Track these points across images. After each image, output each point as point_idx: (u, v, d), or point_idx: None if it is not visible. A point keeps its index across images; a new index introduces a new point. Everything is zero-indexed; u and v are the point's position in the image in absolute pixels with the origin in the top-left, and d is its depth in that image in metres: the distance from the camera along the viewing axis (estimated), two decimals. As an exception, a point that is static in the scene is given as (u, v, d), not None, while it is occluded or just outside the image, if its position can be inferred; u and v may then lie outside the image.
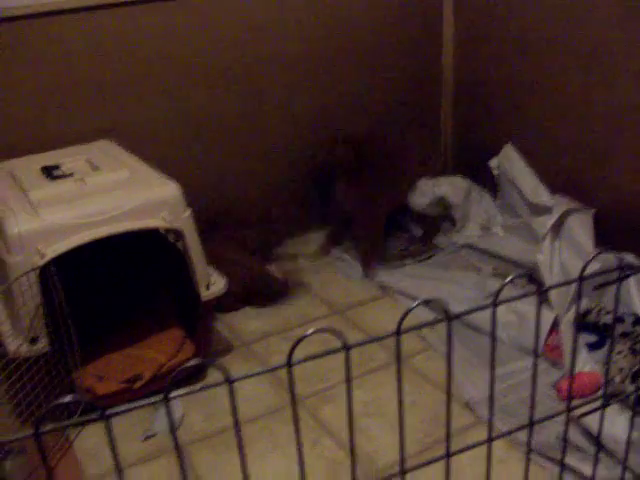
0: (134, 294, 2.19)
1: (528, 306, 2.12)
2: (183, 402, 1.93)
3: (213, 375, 2.04)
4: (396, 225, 2.90)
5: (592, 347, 2.00)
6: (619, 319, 2.01)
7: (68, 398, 0.62)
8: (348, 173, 2.64)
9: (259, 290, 2.39)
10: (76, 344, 1.77)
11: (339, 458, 1.72)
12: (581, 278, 0.87)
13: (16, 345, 1.70)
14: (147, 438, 1.81)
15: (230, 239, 2.50)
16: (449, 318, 0.76)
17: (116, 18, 2.32)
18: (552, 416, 1.02)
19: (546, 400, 1.84)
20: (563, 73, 2.44)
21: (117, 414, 0.67)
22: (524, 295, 0.89)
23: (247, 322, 2.32)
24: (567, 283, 0.91)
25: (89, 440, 1.82)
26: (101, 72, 2.35)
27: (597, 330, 2.06)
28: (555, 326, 2.04)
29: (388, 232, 2.82)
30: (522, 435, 1.71)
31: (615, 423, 1.68)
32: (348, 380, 0.69)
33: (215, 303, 2.21)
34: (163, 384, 1.93)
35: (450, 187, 2.75)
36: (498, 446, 1.70)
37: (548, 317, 2.04)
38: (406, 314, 0.70)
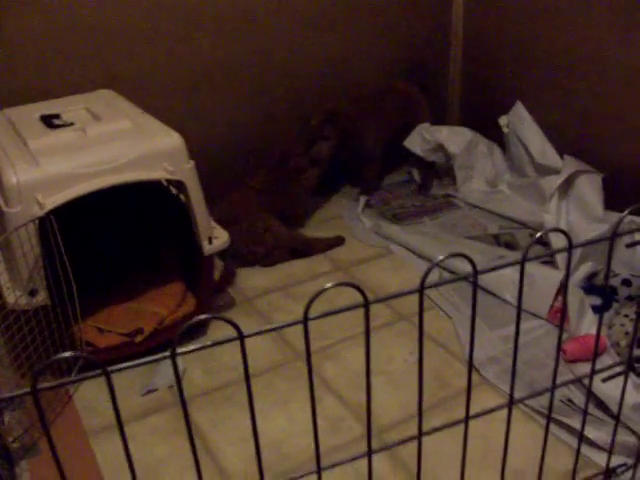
0: (135, 247, 2.16)
1: (535, 267, 2.10)
2: (184, 357, 1.91)
3: (215, 330, 2.02)
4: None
5: (599, 310, 1.98)
6: (626, 282, 1.99)
7: (66, 354, 0.59)
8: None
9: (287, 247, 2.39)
10: (76, 296, 1.74)
11: (341, 415, 1.71)
12: (614, 235, 0.83)
13: (15, 297, 1.67)
14: (148, 392, 1.80)
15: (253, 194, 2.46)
16: (475, 273, 0.72)
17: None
18: (574, 380, 1.00)
19: (551, 362, 1.82)
20: (575, 31, 2.38)
21: (118, 370, 0.64)
22: (555, 252, 0.85)
23: (249, 277, 2.30)
24: (599, 241, 0.87)
25: (89, 393, 1.80)
26: (103, 19, 2.28)
27: (603, 293, 2.03)
28: (561, 288, 2.02)
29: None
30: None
31: (620, 387, 1.67)
32: (367, 338, 0.66)
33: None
34: (164, 338, 1.91)
35: (451, 135, 2.71)
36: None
37: (555, 279, 2.01)
38: (430, 269, 0.67)
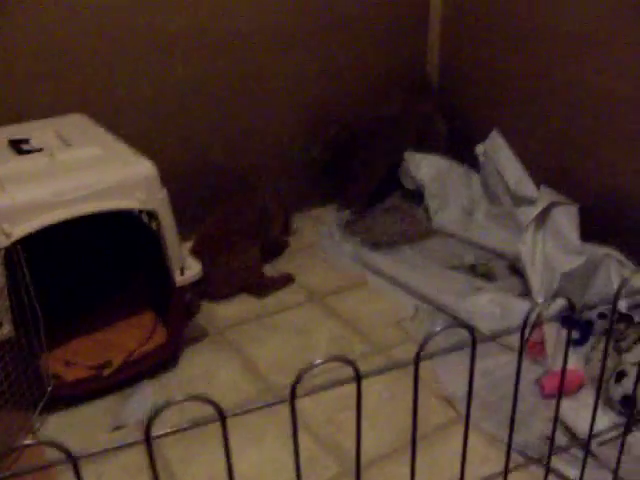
0: (105, 276, 2.10)
1: (511, 298, 2.09)
2: (154, 392, 1.85)
3: (186, 362, 1.97)
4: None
5: (575, 343, 1.96)
6: (603, 316, 1.97)
7: (29, 442, 0.54)
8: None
9: (254, 285, 2.33)
10: (42, 329, 1.68)
11: (316, 454, 1.66)
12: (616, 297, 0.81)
13: (-22, 330, 1.61)
14: (116, 429, 1.74)
15: (229, 220, 2.40)
16: (474, 342, 0.69)
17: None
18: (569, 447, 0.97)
19: (529, 397, 1.80)
20: (552, 61, 2.38)
21: (88, 456, 0.59)
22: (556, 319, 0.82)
23: (222, 307, 2.24)
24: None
25: (55, 428, 1.74)
26: (75, 42, 2.23)
27: (580, 326, 2.02)
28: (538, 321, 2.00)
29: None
30: (503, 434, 1.67)
31: (597, 422, 1.64)
32: (359, 415, 0.62)
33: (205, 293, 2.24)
34: (133, 371, 1.86)
35: (421, 164, 2.71)
36: (479, 444, 1.66)
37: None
38: (427, 340, 0.64)
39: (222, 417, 0.56)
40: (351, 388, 1.77)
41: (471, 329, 0.68)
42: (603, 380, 1.76)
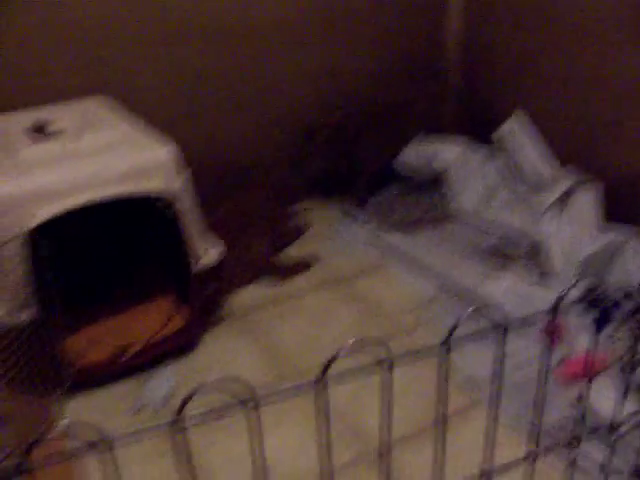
0: (125, 261, 2.11)
1: (529, 284, 2.08)
2: (172, 376, 1.86)
3: (203, 346, 1.99)
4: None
5: (594, 330, 1.94)
6: (619, 304, 1.96)
7: (53, 432, 0.54)
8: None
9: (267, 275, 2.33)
10: (62, 314, 1.69)
11: (339, 433, 1.67)
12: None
13: (0, 314, 1.63)
14: (137, 412, 1.75)
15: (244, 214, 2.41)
16: (502, 328, 0.69)
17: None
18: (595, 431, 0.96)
19: (547, 383, 1.79)
20: (575, 37, 2.35)
21: (122, 440, 0.59)
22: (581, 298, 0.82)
23: (239, 293, 2.25)
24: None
25: (76, 412, 1.75)
26: (97, 25, 2.24)
27: (599, 313, 2.00)
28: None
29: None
30: (521, 419, 1.67)
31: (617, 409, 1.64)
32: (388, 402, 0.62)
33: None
34: (152, 354, 1.88)
35: (441, 149, 2.70)
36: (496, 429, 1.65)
37: (550, 298, 1.98)
38: (455, 327, 0.63)
39: (255, 400, 0.56)
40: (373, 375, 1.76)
41: (497, 316, 0.67)
42: (622, 368, 1.77)
